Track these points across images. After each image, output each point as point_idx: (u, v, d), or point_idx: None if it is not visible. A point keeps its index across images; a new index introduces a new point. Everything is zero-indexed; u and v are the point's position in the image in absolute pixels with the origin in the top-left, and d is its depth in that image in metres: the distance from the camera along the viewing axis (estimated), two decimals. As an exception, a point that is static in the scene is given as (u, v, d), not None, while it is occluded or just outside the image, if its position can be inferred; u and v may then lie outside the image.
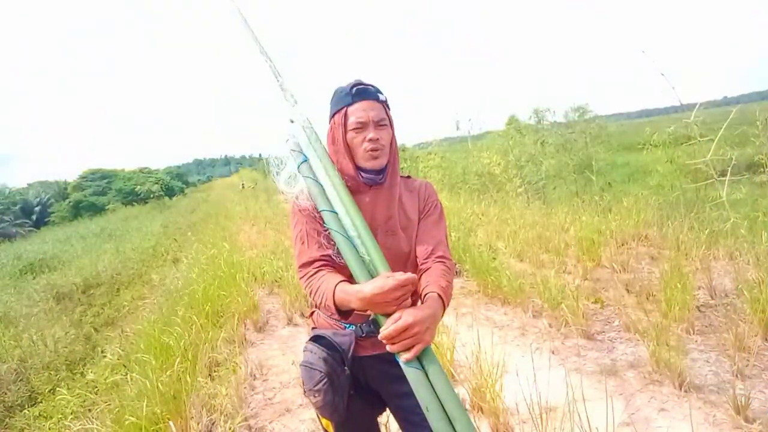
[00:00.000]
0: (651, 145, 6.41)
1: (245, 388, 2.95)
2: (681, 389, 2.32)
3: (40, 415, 3.93)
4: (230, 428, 2.47)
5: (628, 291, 3.66)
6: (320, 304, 1.15)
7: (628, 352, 2.81)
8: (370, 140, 1.19)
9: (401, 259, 1.25)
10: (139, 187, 30.79)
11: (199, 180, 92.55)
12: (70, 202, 35.08)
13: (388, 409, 1.37)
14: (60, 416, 3.66)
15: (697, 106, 4.85)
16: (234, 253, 6.56)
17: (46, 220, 34.08)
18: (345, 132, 1.22)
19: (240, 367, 3.16)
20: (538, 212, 6.86)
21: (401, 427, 1.34)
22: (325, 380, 1.18)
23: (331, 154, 1.26)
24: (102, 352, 4.99)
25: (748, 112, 5.52)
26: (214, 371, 3.28)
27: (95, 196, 35.67)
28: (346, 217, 1.17)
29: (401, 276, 1.03)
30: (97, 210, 32.39)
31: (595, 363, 2.74)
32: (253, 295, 4.64)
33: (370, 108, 1.20)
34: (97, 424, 2.77)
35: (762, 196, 5.10)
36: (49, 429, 3.47)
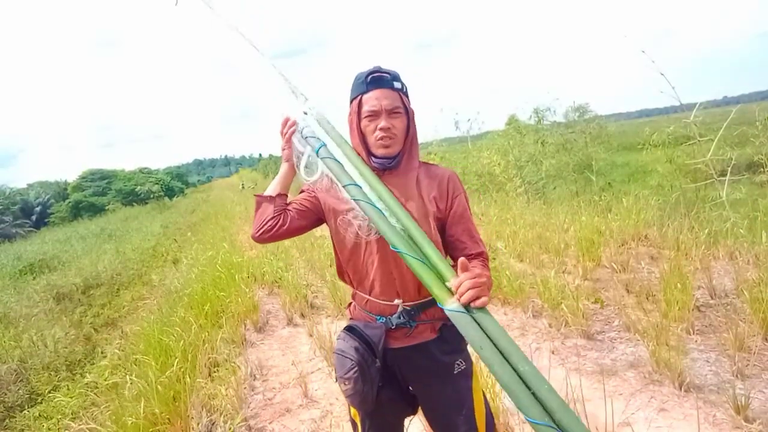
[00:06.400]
0: (651, 145, 6.41)
1: (245, 388, 2.95)
2: (681, 389, 2.32)
3: (40, 415, 3.93)
4: (230, 428, 2.47)
5: (628, 291, 3.65)
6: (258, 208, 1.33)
7: (628, 352, 2.81)
8: (381, 129, 1.21)
9: None
10: (139, 187, 30.82)
11: (199, 180, 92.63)
12: (70, 202, 35.08)
13: (420, 409, 1.38)
14: (60, 417, 3.66)
15: (696, 106, 4.85)
16: (234, 254, 6.56)
17: (45, 220, 34.07)
18: (359, 119, 1.25)
19: (240, 368, 3.16)
20: (538, 212, 6.85)
21: (431, 425, 1.35)
22: (356, 368, 1.20)
23: (351, 139, 1.30)
24: (102, 352, 4.99)
25: (748, 112, 5.52)
26: (214, 372, 3.27)
27: (95, 197, 35.67)
28: (371, 191, 1.21)
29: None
30: (97, 210, 32.39)
31: (595, 363, 2.74)
32: (252, 296, 4.64)
33: (384, 96, 1.21)
34: (96, 425, 2.77)
35: (762, 196, 5.09)
36: (49, 429, 3.47)
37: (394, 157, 1.25)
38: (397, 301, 1.27)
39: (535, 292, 3.72)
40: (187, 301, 4.69)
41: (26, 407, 4.19)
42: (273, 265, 5.68)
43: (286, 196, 1.34)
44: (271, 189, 1.33)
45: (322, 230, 1.41)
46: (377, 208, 1.18)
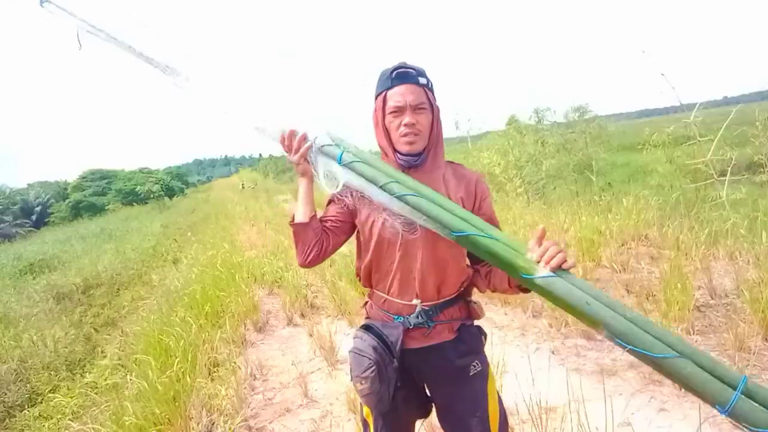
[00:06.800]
0: (651, 145, 6.40)
1: (245, 388, 2.95)
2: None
3: (40, 415, 3.93)
4: (230, 428, 2.47)
5: (628, 291, 3.65)
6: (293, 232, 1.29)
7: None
8: (406, 125, 1.20)
9: (444, 243, 1.22)
10: (139, 187, 30.77)
11: (199, 180, 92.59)
12: (70, 202, 35.08)
13: (433, 411, 1.36)
14: (60, 416, 3.66)
15: (697, 106, 4.85)
16: (234, 254, 6.57)
17: (45, 220, 34.09)
18: (384, 116, 1.24)
19: (240, 368, 3.16)
20: (538, 212, 6.85)
21: (443, 427, 1.34)
22: (373, 368, 1.19)
23: (376, 136, 1.29)
24: (102, 352, 5.00)
25: (748, 112, 5.51)
26: (214, 371, 3.27)
27: (95, 197, 35.66)
28: (406, 189, 1.19)
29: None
30: (97, 210, 32.39)
31: (595, 363, 2.74)
32: (252, 296, 4.64)
33: (409, 92, 1.19)
34: (96, 425, 2.77)
35: (762, 196, 5.09)
36: (49, 429, 3.47)
37: (419, 154, 1.23)
38: (415, 301, 1.26)
39: (535, 292, 3.72)
40: (187, 301, 4.69)
41: (26, 407, 4.19)
42: (273, 265, 5.69)
43: (316, 214, 1.32)
44: (302, 213, 1.28)
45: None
46: (429, 198, 1.16)
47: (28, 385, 4.53)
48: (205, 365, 3.27)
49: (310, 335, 3.68)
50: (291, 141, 1.26)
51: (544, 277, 1.04)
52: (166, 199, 30.20)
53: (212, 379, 3.14)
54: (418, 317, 1.26)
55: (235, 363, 3.26)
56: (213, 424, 2.59)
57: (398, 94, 1.20)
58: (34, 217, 34.79)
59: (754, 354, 2.52)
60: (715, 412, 0.93)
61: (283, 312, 4.34)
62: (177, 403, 2.61)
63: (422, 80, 1.21)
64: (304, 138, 1.26)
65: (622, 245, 4.70)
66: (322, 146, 1.27)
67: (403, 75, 1.21)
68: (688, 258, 3.97)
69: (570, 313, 1.05)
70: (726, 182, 4.62)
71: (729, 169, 4.72)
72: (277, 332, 4.01)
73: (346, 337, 3.56)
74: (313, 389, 2.86)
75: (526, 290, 1.16)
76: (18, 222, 31.68)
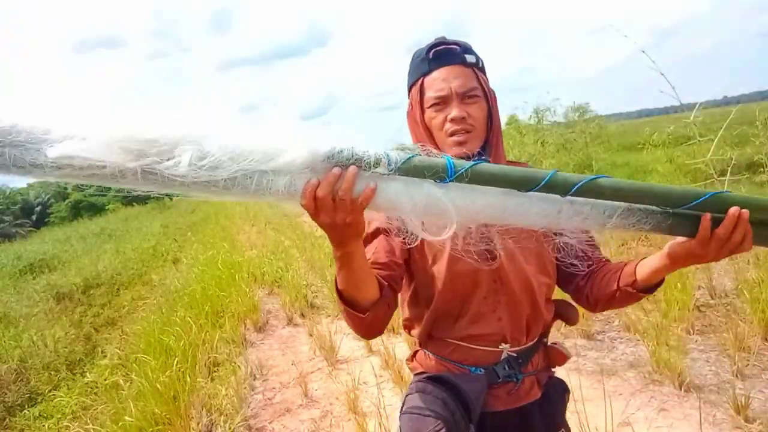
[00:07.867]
0: (651, 145, 6.42)
1: (245, 388, 2.95)
2: (681, 389, 2.31)
3: (40, 415, 3.92)
4: (230, 428, 2.47)
5: (628, 291, 3.66)
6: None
7: (628, 352, 2.81)
8: (453, 120, 0.87)
9: (533, 268, 0.97)
10: (139, 187, 30.69)
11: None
12: (69, 202, 35.05)
13: None
14: (60, 416, 3.66)
15: (697, 106, 4.84)
16: (234, 254, 6.57)
17: (45, 220, 34.07)
18: (422, 110, 0.91)
19: (240, 367, 3.17)
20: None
21: None
22: (443, 429, 0.84)
23: (413, 137, 0.95)
24: (102, 352, 4.99)
25: (748, 112, 5.52)
26: (214, 371, 3.28)
27: (95, 196, 35.60)
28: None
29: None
30: (97, 210, 32.36)
31: (595, 363, 2.74)
32: (252, 296, 4.64)
33: (454, 76, 0.87)
34: (96, 425, 2.77)
35: (762, 195, 5.09)
36: (49, 429, 3.47)
37: (476, 154, 0.88)
38: (503, 346, 0.93)
39: (535, 292, 3.72)
40: (187, 301, 4.70)
41: (26, 407, 4.19)
42: (273, 265, 5.69)
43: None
44: (372, 290, 0.81)
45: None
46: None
47: (28, 385, 4.53)
48: (205, 365, 3.28)
49: (310, 335, 3.68)
50: (331, 188, 0.63)
51: None
52: (166, 199, 30.18)
53: (212, 379, 3.14)
54: (505, 368, 0.93)
55: (235, 363, 3.26)
56: (213, 424, 2.59)
57: (440, 80, 0.88)
58: (34, 217, 34.77)
59: (754, 354, 2.52)
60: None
61: (283, 312, 4.34)
62: (177, 403, 2.61)
63: (469, 58, 0.89)
64: (355, 174, 0.64)
65: (622, 245, 4.70)
66: (409, 159, 0.67)
67: (443, 54, 0.88)
68: (688, 258, 3.96)
69: None
70: (726, 182, 4.61)
71: (729, 169, 4.72)
72: (277, 332, 4.01)
73: (346, 337, 3.56)
74: (313, 389, 2.86)
75: (646, 292, 0.87)
76: (18, 222, 31.69)
